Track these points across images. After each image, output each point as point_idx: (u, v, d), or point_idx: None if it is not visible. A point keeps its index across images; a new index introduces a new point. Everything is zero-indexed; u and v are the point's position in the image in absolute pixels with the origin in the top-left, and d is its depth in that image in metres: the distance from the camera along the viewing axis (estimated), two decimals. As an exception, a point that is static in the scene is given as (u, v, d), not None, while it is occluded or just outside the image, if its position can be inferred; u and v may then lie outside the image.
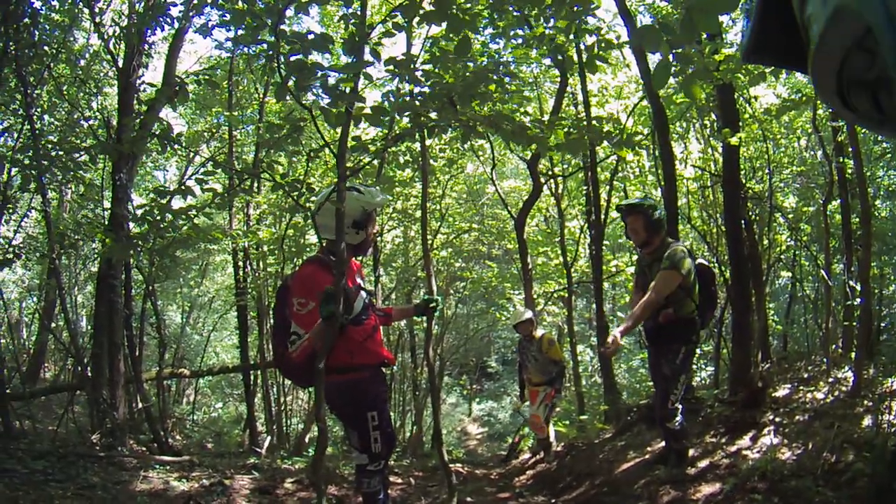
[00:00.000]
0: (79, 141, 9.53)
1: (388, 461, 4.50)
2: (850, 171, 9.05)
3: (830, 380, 7.25)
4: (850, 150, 8.22)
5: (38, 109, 9.25)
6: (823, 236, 9.84)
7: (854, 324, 7.91)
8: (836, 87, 0.69)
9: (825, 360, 8.12)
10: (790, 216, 11.30)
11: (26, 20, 7.04)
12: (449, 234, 17.43)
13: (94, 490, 5.96)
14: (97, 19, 8.94)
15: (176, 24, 8.95)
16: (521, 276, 13.75)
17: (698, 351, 8.98)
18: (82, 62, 10.31)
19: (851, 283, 7.93)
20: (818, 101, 9.36)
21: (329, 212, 3.99)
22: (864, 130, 10.30)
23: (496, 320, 19.57)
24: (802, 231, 11.03)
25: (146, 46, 9.01)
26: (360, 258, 4.70)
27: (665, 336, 5.42)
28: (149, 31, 8.62)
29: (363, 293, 4.35)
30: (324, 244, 4.26)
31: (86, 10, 9.23)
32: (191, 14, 8.70)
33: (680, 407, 5.56)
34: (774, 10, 0.79)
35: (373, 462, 4.29)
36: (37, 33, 7.77)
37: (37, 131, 8.23)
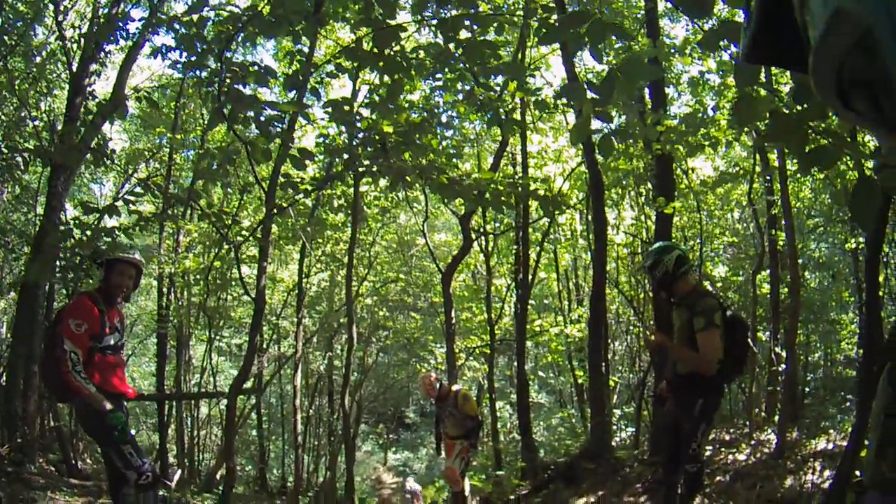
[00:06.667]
0: (21, 140, 9.20)
1: (156, 476, 4.64)
2: (781, 242, 9.39)
3: (753, 442, 7.43)
4: (783, 222, 8.54)
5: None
6: (751, 304, 10.15)
7: (778, 388, 8.14)
8: (836, 87, 0.71)
9: (748, 423, 8.31)
10: (718, 284, 11.64)
11: (-7, 4, 6.85)
12: (376, 282, 17.44)
13: (-2, 506, 5.67)
14: (60, 17, 8.75)
15: (129, 41, 8.82)
16: (444, 330, 13.73)
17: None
18: (38, 59, 10.01)
19: (777, 349, 8.19)
20: (755, 175, 9.76)
21: None
22: (798, 204, 10.80)
23: (416, 372, 19.51)
24: (730, 299, 11.37)
25: (102, 54, 8.83)
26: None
27: (684, 389, 4.98)
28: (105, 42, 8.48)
29: (118, 334, 4.73)
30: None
31: (51, 7, 9.01)
32: (147, 32, 8.63)
33: (697, 455, 5.01)
34: (774, 10, 0.82)
35: (141, 476, 4.40)
36: (0, 20, 7.55)
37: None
